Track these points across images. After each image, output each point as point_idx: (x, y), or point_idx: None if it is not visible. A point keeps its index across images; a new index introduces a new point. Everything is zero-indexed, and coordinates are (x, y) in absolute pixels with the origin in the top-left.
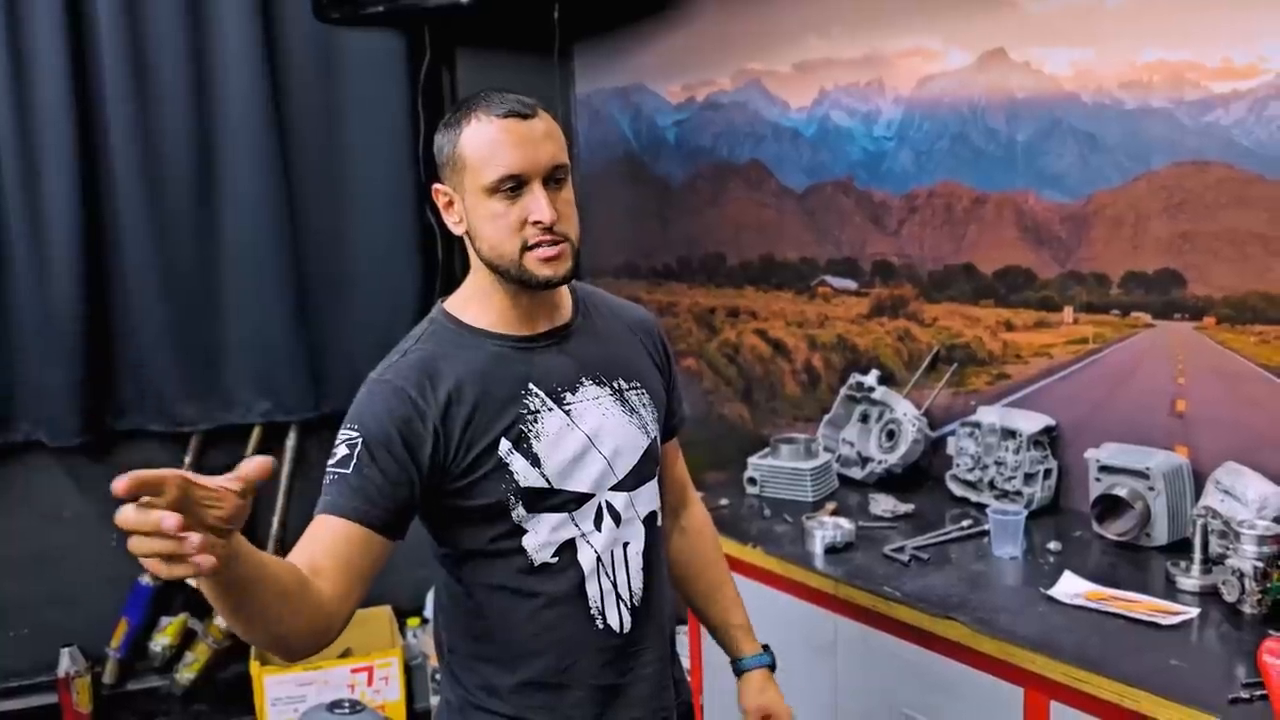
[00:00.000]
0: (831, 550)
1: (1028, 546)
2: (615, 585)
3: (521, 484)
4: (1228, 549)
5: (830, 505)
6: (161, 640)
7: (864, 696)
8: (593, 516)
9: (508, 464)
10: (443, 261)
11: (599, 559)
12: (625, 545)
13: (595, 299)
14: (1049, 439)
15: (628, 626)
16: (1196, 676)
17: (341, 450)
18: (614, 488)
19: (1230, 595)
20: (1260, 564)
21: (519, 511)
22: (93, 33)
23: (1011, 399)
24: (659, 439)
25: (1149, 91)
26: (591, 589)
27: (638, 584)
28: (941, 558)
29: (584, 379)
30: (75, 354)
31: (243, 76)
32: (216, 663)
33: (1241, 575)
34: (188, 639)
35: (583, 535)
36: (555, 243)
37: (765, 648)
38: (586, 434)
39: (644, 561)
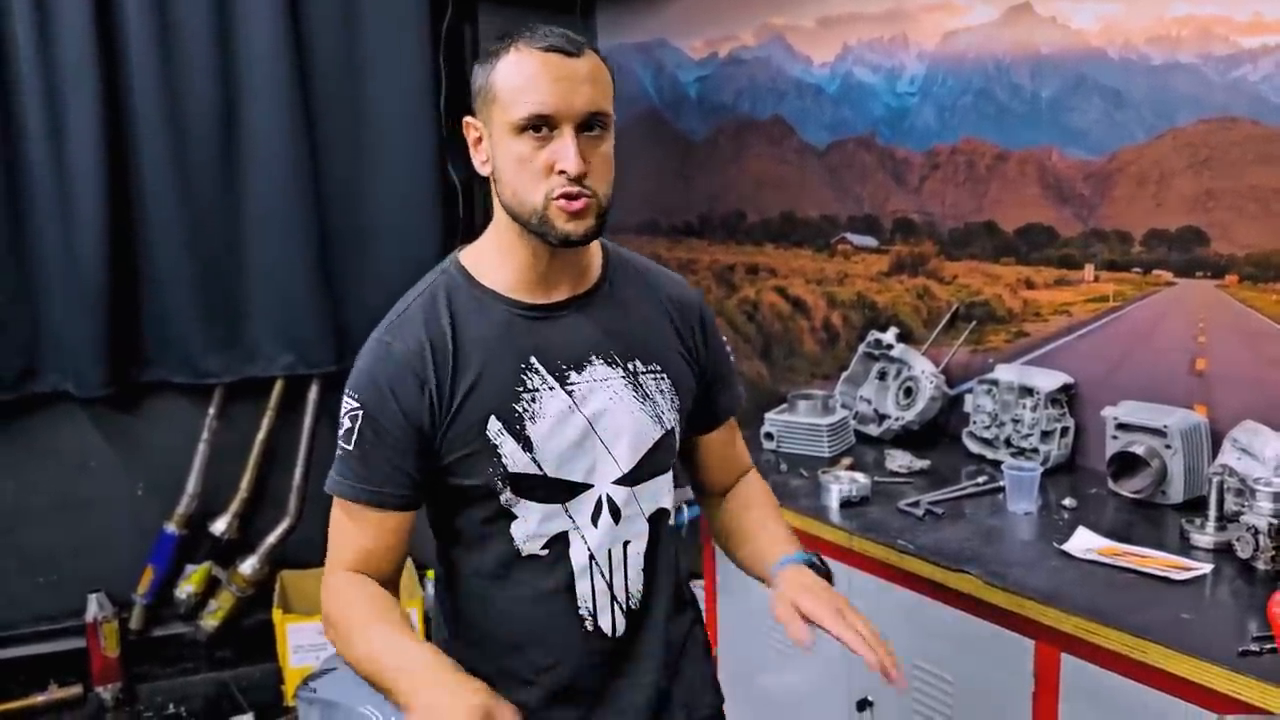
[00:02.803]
0: (847, 504)
1: (1043, 503)
2: (611, 586)
3: (510, 468)
4: (1243, 506)
5: (846, 460)
6: (186, 588)
7: None
8: (590, 510)
9: (496, 445)
10: (464, 215)
11: (592, 556)
12: (625, 544)
13: (632, 267)
14: (1066, 397)
15: (621, 630)
16: (1207, 630)
17: (345, 422)
18: (617, 481)
19: (1244, 552)
20: (1275, 520)
21: (507, 496)
22: None
23: (1030, 357)
24: (677, 429)
25: (1177, 46)
26: (582, 587)
27: (637, 586)
28: (956, 513)
29: (594, 357)
30: (100, 307)
31: (265, 30)
32: (240, 610)
33: (1256, 532)
34: (212, 587)
35: (577, 529)
36: (580, 196)
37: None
38: (588, 418)
39: (645, 562)
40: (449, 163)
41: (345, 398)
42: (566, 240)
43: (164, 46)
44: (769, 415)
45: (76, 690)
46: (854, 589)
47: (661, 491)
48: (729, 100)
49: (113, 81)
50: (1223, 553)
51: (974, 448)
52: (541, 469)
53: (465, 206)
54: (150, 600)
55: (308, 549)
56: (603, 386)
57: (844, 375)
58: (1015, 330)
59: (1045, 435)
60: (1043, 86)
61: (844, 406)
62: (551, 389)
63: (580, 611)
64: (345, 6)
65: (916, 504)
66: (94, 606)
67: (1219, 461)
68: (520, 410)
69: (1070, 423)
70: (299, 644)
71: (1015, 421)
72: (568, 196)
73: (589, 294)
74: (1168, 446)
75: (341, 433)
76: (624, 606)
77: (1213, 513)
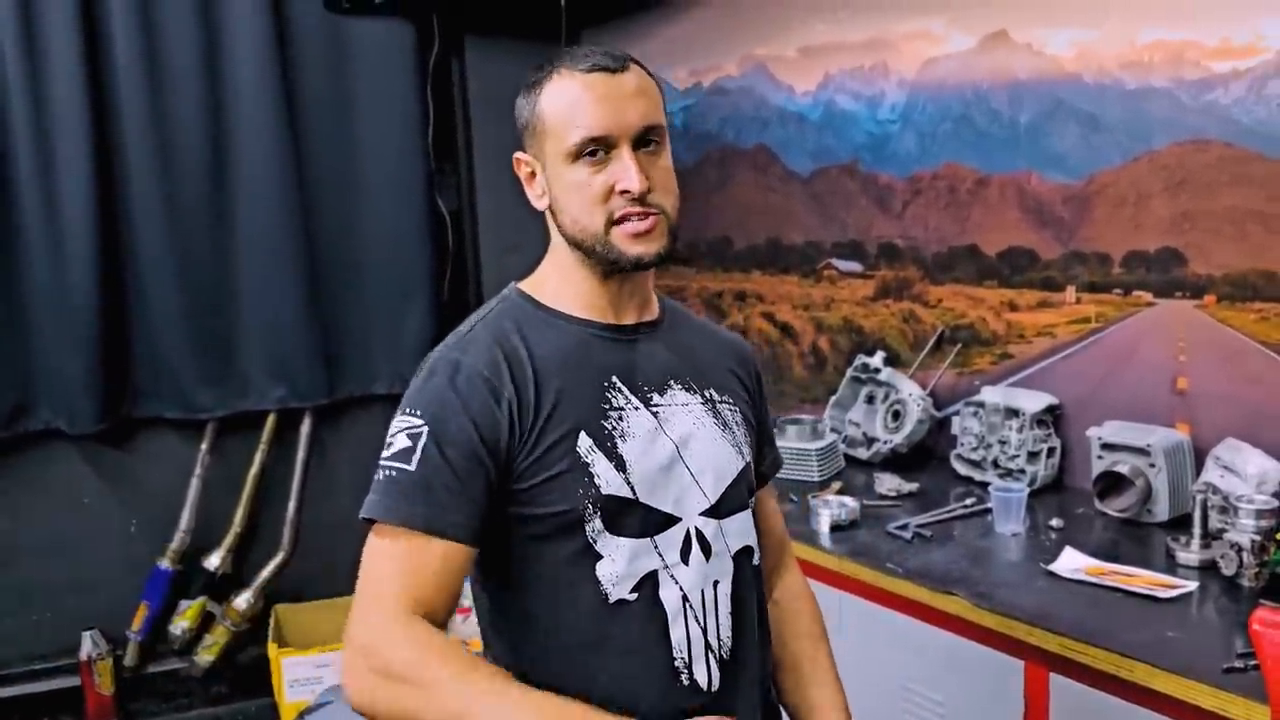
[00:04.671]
0: (837, 528)
1: (1030, 523)
2: (705, 632)
3: (603, 489)
4: (1227, 523)
5: (836, 485)
6: (181, 623)
7: (868, 670)
8: (679, 545)
9: (588, 463)
10: (453, 247)
11: (685, 598)
12: (715, 584)
13: (685, 314)
14: (1052, 418)
15: (716, 684)
16: (1192, 647)
17: (401, 441)
18: (704, 513)
19: (1229, 569)
20: (1258, 538)
21: (594, 526)
22: (106, 24)
23: (1015, 379)
24: (753, 465)
25: (1150, 71)
26: (677, 635)
27: (727, 632)
28: (944, 535)
29: (673, 381)
30: (92, 343)
31: (254, 66)
32: (235, 645)
33: (1240, 549)
34: (206, 622)
35: (667, 568)
36: (646, 215)
37: None
38: (675, 442)
39: (733, 604)
40: (438, 195)
41: (402, 416)
42: (639, 263)
43: (154, 84)
44: None
45: None
46: (845, 612)
47: (746, 527)
48: (714, 129)
49: (102, 119)
50: (1208, 570)
51: (962, 469)
52: (635, 493)
53: (455, 239)
54: (144, 637)
55: (302, 583)
56: (685, 411)
57: (832, 399)
58: (1000, 352)
59: (1032, 456)
60: (1021, 112)
61: (833, 430)
62: (637, 408)
63: (676, 664)
64: (333, 42)
65: (905, 527)
66: (88, 644)
67: (1202, 479)
68: (610, 427)
69: (1056, 443)
70: (295, 678)
71: (1002, 443)
72: (632, 217)
73: (656, 323)
74: (1152, 465)
75: (393, 453)
76: (718, 655)
77: (1197, 530)
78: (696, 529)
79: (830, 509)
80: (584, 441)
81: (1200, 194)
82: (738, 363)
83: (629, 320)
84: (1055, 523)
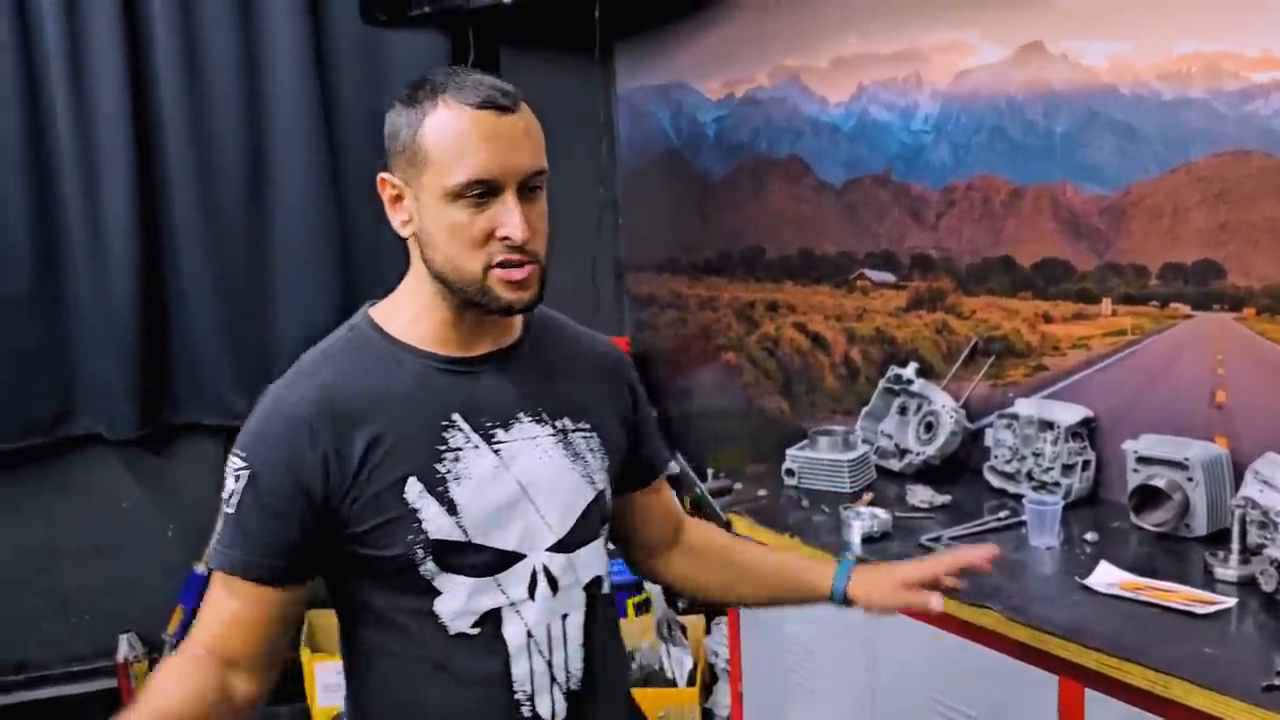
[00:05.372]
0: (868, 539)
1: (1065, 537)
2: (550, 666)
3: (432, 535)
4: (1266, 539)
5: (868, 496)
6: None
7: (899, 684)
8: (526, 582)
9: (416, 509)
10: None
11: (530, 634)
12: (564, 617)
13: (555, 325)
14: (1087, 430)
15: (561, 714)
16: (1231, 665)
17: (229, 482)
18: (551, 548)
19: (1268, 585)
20: None
21: (428, 567)
22: (149, 41)
23: (1049, 391)
24: (608, 492)
25: (1187, 82)
26: (519, 670)
27: (576, 664)
28: None
29: (521, 414)
30: (132, 350)
31: (292, 79)
32: None
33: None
34: None
35: (512, 604)
36: (524, 264)
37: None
38: (519, 481)
39: (584, 636)
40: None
41: (234, 453)
42: (509, 310)
43: (194, 98)
44: (790, 451)
45: None
46: (875, 626)
47: (598, 558)
48: (746, 140)
49: (144, 132)
50: (1247, 586)
51: (995, 482)
52: (467, 535)
53: None
54: (180, 640)
55: None
56: (532, 445)
57: (865, 410)
58: (1034, 364)
59: (1066, 469)
60: (1056, 123)
61: (865, 442)
62: (477, 448)
63: (517, 696)
64: (370, 54)
65: (938, 539)
66: (125, 647)
67: (1241, 494)
68: (443, 471)
69: (1091, 456)
70: (327, 683)
71: (1036, 455)
72: (510, 265)
73: (512, 348)
74: (1189, 479)
75: (226, 494)
76: (564, 688)
77: (1236, 546)
78: (544, 565)
79: (862, 520)
80: (413, 488)
81: (1239, 205)
82: (607, 377)
83: (482, 349)
84: (1090, 536)
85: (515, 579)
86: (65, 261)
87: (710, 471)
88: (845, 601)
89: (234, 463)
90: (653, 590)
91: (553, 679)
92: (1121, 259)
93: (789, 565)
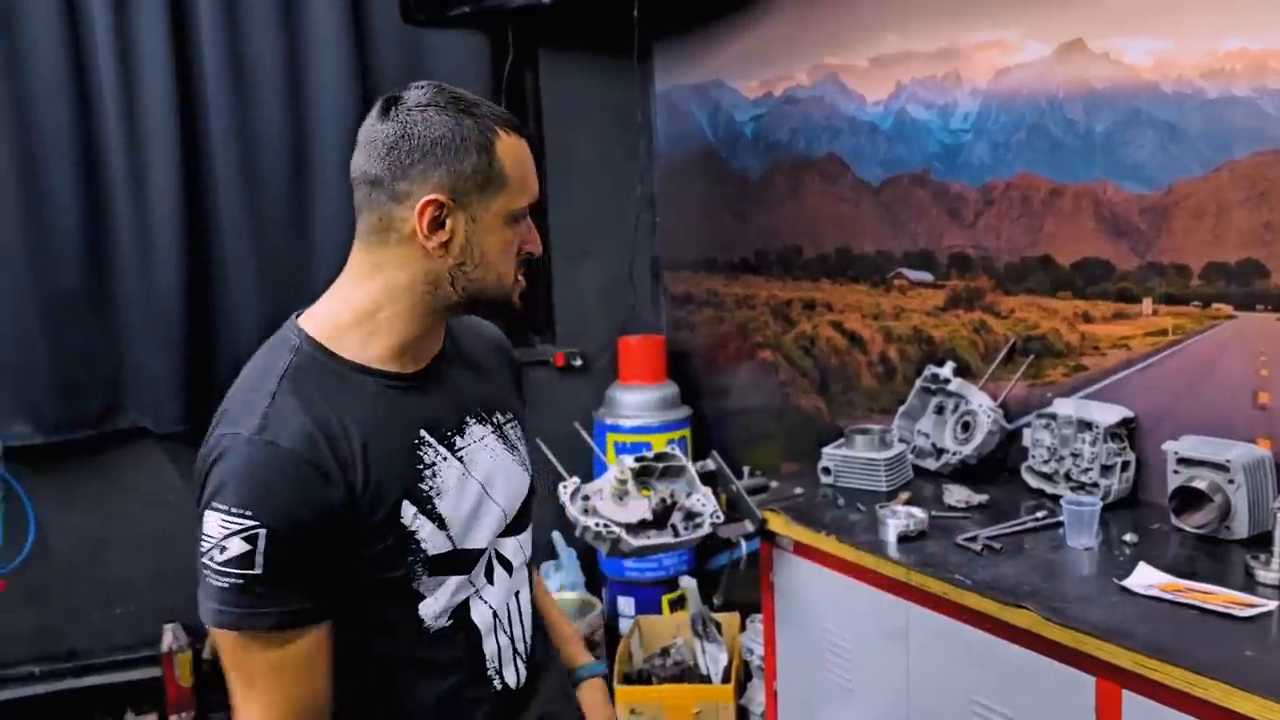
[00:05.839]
0: (904, 539)
1: (1103, 538)
2: (513, 640)
3: (430, 552)
4: None
5: (904, 495)
6: None
7: (935, 683)
8: (484, 569)
9: (413, 531)
10: None
11: (495, 615)
12: (516, 594)
13: (453, 322)
14: (1127, 431)
15: (523, 681)
16: (1271, 667)
17: (236, 545)
18: (502, 534)
19: None
20: None
21: (421, 580)
22: (194, 42)
23: (1089, 391)
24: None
25: (1231, 80)
26: (489, 647)
27: (530, 633)
28: (1015, 548)
29: (468, 418)
30: (178, 345)
31: (334, 79)
32: None
33: None
34: None
35: (476, 592)
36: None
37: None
38: (480, 482)
39: (531, 608)
40: None
41: (226, 517)
42: (514, 312)
43: (238, 98)
44: (826, 450)
45: (152, 718)
46: (912, 623)
47: (530, 537)
48: (784, 138)
49: (190, 131)
50: None
51: (1033, 482)
52: (454, 544)
53: None
54: None
55: None
56: (482, 447)
57: (901, 410)
58: (1073, 364)
59: (1105, 470)
60: (1097, 121)
61: (901, 441)
62: (445, 459)
63: (489, 672)
64: (410, 54)
65: (975, 538)
66: (169, 637)
67: None
68: (426, 489)
69: (1131, 457)
70: None
71: (1075, 456)
72: (521, 276)
73: (441, 355)
74: (1230, 481)
75: (229, 558)
76: (524, 656)
77: (1277, 548)
78: (497, 551)
79: (898, 519)
80: (408, 511)
81: None
82: (506, 362)
83: (423, 363)
84: (1129, 538)
85: (479, 568)
86: (114, 260)
87: (746, 469)
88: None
89: (238, 524)
90: (688, 587)
91: (515, 651)
92: (1163, 258)
93: (558, 629)
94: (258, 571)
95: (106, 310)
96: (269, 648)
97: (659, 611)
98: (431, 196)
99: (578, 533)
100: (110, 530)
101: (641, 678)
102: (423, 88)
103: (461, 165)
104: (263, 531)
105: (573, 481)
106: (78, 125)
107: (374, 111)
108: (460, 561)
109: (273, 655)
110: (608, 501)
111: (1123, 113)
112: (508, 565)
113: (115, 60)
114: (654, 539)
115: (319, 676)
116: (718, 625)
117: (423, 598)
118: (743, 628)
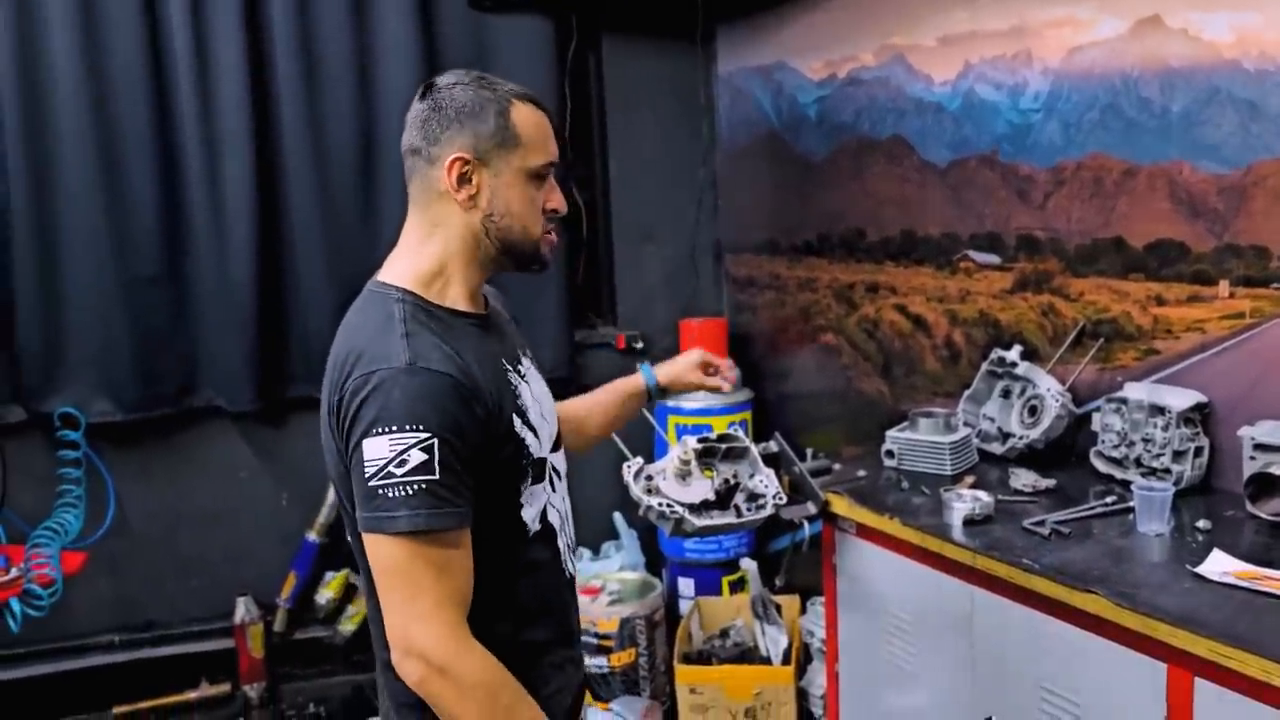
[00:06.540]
0: (970, 522)
1: (1175, 524)
2: (569, 536)
3: (535, 453)
4: None
5: (969, 478)
6: (326, 594)
7: (1001, 668)
8: (550, 477)
9: (523, 438)
10: (587, 238)
11: (561, 515)
12: (564, 499)
13: None
14: (1200, 416)
15: (575, 571)
16: None
17: (416, 456)
18: (553, 449)
19: None
20: None
21: (528, 485)
22: (267, 34)
23: (1161, 375)
24: None
25: None
26: (562, 544)
27: (574, 533)
28: (1083, 533)
29: (519, 352)
30: (251, 328)
31: (402, 66)
32: None
33: None
34: (349, 593)
35: (548, 499)
36: (554, 230)
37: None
38: (538, 399)
39: (571, 510)
40: (572, 186)
41: (405, 432)
42: (544, 266)
43: (310, 87)
44: (890, 433)
45: (225, 688)
46: (977, 607)
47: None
48: (849, 120)
49: (264, 117)
50: None
51: (1102, 467)
52: (543, 449)
53: (588, 225)
54: (292, 605)
55: None
56: (531, 372)
57: (967, 393)
58: (1145, 348)
59: (1178, 455)
60: (1173, 100)
61: (967, 424)
62: (523, 380)
63: (564, 564)
64: (476, 39)
65: (1042, 523)
66: (242, 609)
67: None
68: (522, 404)
69: (1204, 443)
70: None
71: (1146, 441)
72: (552, 231)
73: (487, 304)
74: None
75: (412, 467)
76: (573, 550)
77: None
78: (552, 463)
79: (964, 502)
80: (516, 422)
81: None
82: (510, 313)
83: (484, 310)
84: (1202, 524)
85: (548, 477)
86: (190, 246)
87: (809, 451)
88: (660, 390)
89: (416, 437)
90: (748, 569)
91: (569, 548)
92: (1241, 240)
93: (608, 390)
94: (436, 476)
95: (183, 295)
96: (444, 547)
97: (719, 593)
98: (457, 155)
99: (641, 512)
100: (185, 506)
101: (701, 658)
102: (454, 73)
103: (481, 128)
104: (436, 441)
105: (636, 461)
106: (156, 121)
107: (416, 96)
108: (542, 469)
109: (444, 554)
110: (671, 482)
111: (1201, 91)
112: (558, 474)
113: (191, 58)
114: (717, 519)
115: (470, 574)
116: (778, 607)
117: (523, 506)
118: (803, 610)
